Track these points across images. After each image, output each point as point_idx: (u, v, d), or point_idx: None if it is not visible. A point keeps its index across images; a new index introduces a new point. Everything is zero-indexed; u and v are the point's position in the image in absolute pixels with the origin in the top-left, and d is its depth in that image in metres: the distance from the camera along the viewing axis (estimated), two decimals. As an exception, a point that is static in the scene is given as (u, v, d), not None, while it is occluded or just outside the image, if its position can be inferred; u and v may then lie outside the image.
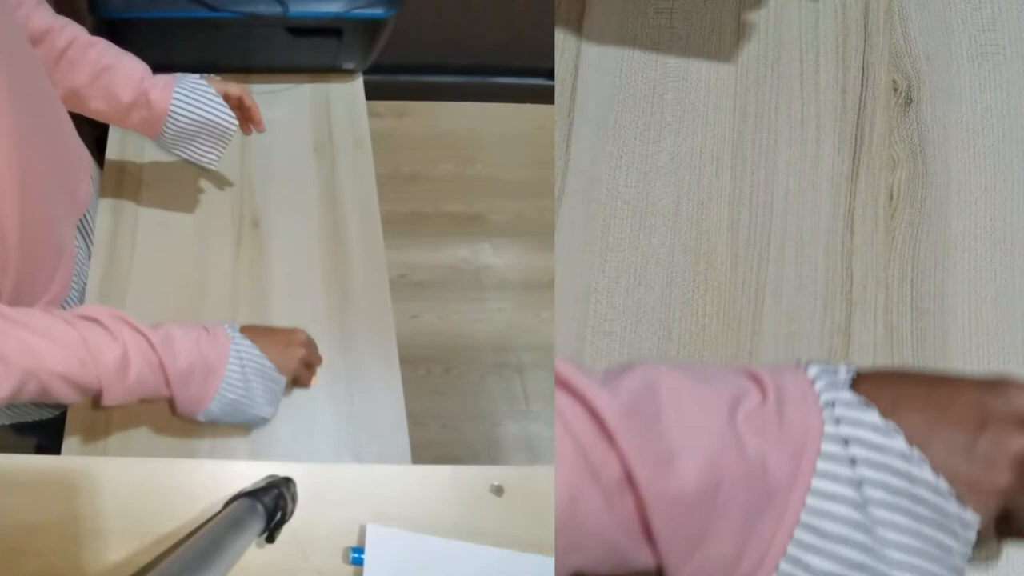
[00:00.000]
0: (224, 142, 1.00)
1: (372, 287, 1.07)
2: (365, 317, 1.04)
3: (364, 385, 0.99)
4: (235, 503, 0.60)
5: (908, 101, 0.80)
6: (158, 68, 1.22)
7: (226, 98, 0.99)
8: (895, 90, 0.80)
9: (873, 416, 0.45)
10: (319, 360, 0.96)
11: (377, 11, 1.17)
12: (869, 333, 0.73)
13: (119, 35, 1.14)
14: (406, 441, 0.96)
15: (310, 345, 0.94)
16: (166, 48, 1.18)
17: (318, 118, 1.24)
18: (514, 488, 0.69)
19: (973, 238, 0.75)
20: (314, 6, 1.16)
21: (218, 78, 1.02)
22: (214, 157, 1.00)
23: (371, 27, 1.20)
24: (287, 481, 0.65)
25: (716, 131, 0.80)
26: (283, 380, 0.88)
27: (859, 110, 0.80)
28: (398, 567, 0.64)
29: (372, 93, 1.29)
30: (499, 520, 0.67)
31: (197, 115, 0.95)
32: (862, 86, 0.80)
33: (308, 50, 1.22)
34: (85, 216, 1.01)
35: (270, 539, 0.62)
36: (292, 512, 0.63)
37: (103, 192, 1.09)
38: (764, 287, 0.75)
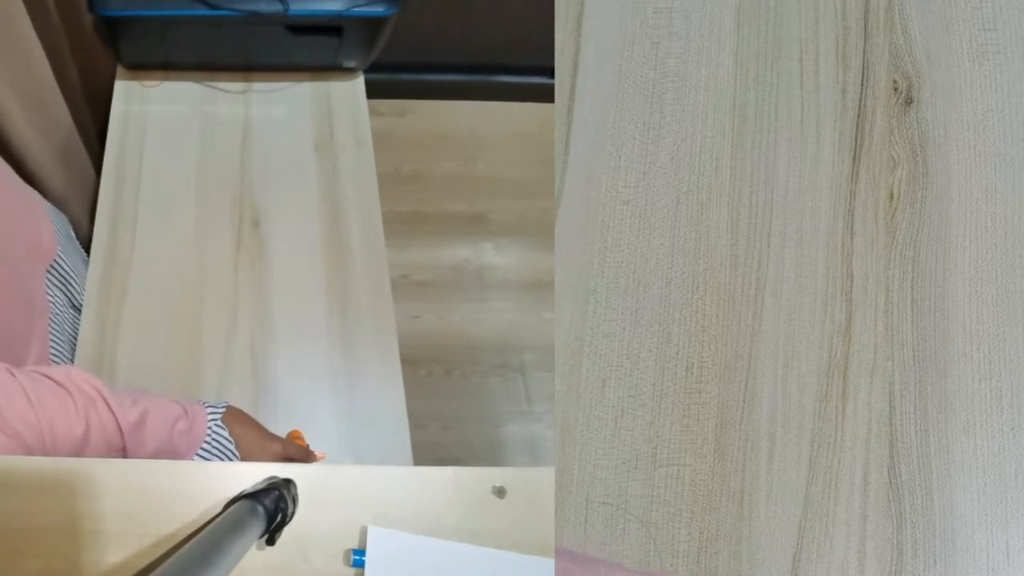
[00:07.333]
0: None
1: (373, 287, 1.07)
2: (366, 317, 1.04)
3: (365, 386, 0.99)
4: (235, 505, 0.60)
5: (908, 101, 0.79)
6: (158, 67, 1.23)
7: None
8: (895, 90, 0.80)
9: None
10: (307, 459, 0.88)
11: (378, 9, 1.17)
12: (869, 333, 0.73)
13: (118, 33, 1.14)
14: (407, 442, 0.96)
15: (296, 449, 0.87)
16: (166, 46, 1.18)
17: (319, 117, 1.24)
18: (516, 490, 0.68)
19: (973, 238, 0.75)
20: (315, 4, 1.16)
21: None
22: None
23: (372, 25, 1.19)
24: (288, 482, 0.65)
25: (716, 131, 0.80)
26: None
27: (859, 110, 0.79)
28: (399, 569, 0.64)
29: (373, 92, 1.29)
30: (501, 522, 0.67)
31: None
32: (862, 85, 0.80)
33: (309, 48, 1.22)
34: (58, 264, 0.97)
35: (271, 541, 0.62)
36: (293, 514, 0.63)
37: (103, 192, 1.09)
38: (764, 287, 0.75)
